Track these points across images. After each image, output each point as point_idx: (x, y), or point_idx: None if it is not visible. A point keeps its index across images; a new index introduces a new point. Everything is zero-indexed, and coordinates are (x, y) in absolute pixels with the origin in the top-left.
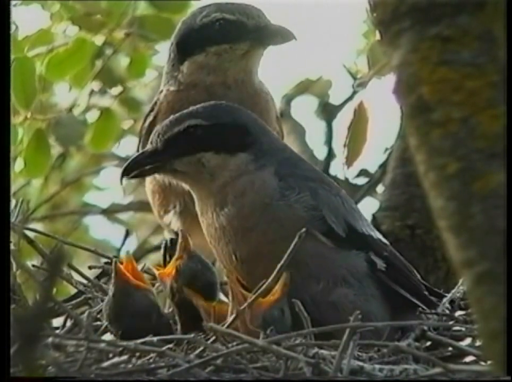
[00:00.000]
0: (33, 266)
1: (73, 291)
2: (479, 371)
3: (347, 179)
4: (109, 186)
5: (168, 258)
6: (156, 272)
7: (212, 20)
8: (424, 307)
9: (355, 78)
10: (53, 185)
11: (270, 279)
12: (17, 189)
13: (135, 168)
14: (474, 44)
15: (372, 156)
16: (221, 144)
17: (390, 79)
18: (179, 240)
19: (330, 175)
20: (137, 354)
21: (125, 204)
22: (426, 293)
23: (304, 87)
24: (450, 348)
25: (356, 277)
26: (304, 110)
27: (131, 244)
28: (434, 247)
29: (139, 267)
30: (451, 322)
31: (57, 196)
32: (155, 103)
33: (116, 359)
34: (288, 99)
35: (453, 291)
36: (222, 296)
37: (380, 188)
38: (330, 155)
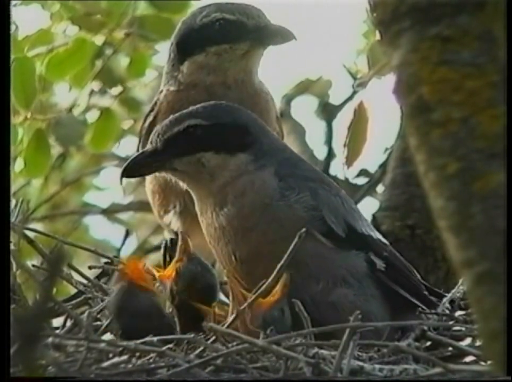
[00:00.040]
0: (33, 266)
1: (73, 291)
2: (479, 371)
3: (347, 179)
4: (109, 186)
5: (168, 258)
6: (156, 274)
7: (212, 20)
8: (424, 307)
9: (355, 78)
10: (53, 185)
11: (269, 280)
12: (17, 189)
13: (135, 169)
14: (474, 44)
15: (372, 156)
16: (221, 144)
17: (390, 79)
18: (179, 242)
19: (330, 175)
20: (137, 354)
21: (125, 204)
22: (426, 293)
23: (304, 87)
24: (450, 348)
25: (355, 277)
26: (304, 110)
27: (131, 244)
28: (434, 247)
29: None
30: (451, 322)
31: (57, 196)
32: (155, 103)
33: (116, 359)
34: (288, 99)
35: (453, 291)
36: (222, 296)
37: (380, 188)
38: (330, 155)
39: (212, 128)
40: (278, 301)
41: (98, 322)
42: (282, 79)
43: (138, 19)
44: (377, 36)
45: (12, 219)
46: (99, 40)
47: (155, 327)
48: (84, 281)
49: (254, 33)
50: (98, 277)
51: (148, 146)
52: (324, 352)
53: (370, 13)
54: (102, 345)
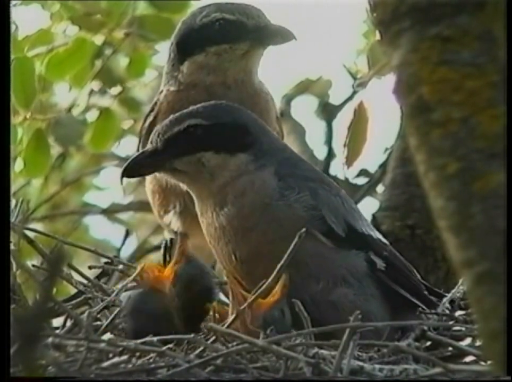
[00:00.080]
0: (33, 266)
1: (73, 291)
2: (479, 371)
3: (347, 179)
4: (109, 186)
5: (168, 258)
6: (155, 275)
7: (212, 20)
8: (424, 307)
9: (355, 78)
10: (53, 185)
11: (269, 280)
12: (17, 189)
13: (135, 168)
14: (474, 44)
15: (372, 156)
16: (221, 144)
17: (390, 79)
18: (177, 243)
19: (330, 175)
20: (137, 354)
21: (125, 204)
22: (426, 293)
23: (304, 87)
24: (450, 348)
25: (355, 277)
26: (304, 110)
27: (131, 244)
28: (434, 247)
29: (139, 267)
30: (451, 322)
31: (57, 196)
32: (155, 103)
33: (116, 359)
34: (288, 99)
35: (453, 291)
36: (222, 296)
37: (380, 188)
38: (330, 155)
39: (212, 128)
40: (278, 301)
41: (98, 322)
42: (282, 79)
43: (138, 19)
44: (377, 36)
45: (12, 219)
46: (98, 39)
47: (169, 331)
48: (84, 281)
49: (254, 33)
50: (98, 277)
51: (149, 146)
52: (324, 352)
53: (370, 13)
54: (102, 345)
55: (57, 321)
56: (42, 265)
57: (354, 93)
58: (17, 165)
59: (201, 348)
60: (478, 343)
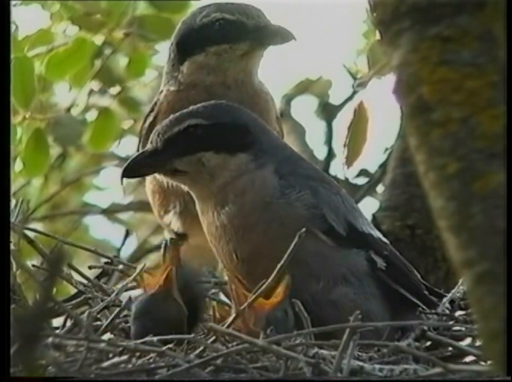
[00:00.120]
0: (33, 266)
1: (73, 291)
2: (479, 371)
3: (347, 179)
4: (109, 186)
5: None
6: (145, 281)
7: (212, 20)
8: (424, 307)
9: (355, 78)
10: (53, 185)
11: (270, 279)
12: (17, 189)
13: (135, 168)
14: (474, 44)
15: (372, 156)
16: (221, 144)
17: (390, 79)
18: (169, 251)
19: (330, 175)
20: (137, 354)
21: (125, 204)
22: (426, 292)
23: (304, 87)
24: (450, 348)
25: (356, 276)
26: (304, 110)
27: (131, 244)
28: (434, 247)
29: (139, 267)
30: (451, 322)
31: (57, 196)
32: (155, 103)
33: (116, 359)
34: (288, 99)
35: (453, 291)
36: (222, 296)
37: (380, 188)
38: (330, 155)
39: (212, 128)
40: (281, 302)
41: (98, 322)
42: (282, 79)
43: (138, 19)
44: (377, 36)
45: (12, 219)
46: (98, 39)
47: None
48: (84, 281)
49: (253, 33)
50: (98, 277)
51: (149, 146)
52: (324, 352)
53: (370, 13)
54: (102, 345)
55: (57, 321)
56: (42, 265)
57: (354, 93)
58: (17, 165)
59: (201, 348)
60: (478, 343)
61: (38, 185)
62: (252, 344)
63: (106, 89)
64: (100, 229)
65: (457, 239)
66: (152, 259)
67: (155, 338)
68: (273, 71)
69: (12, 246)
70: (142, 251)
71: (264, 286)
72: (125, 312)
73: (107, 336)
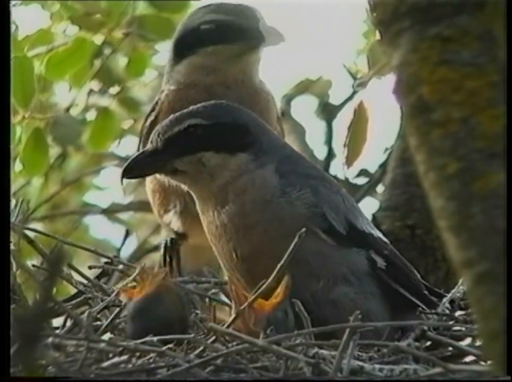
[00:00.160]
0: (33, 266)
1: (73, 291)
2: (479, 371)
3: (347, 179)
4: (109, 186)
5: (168, 258)
6: (126, 292)
7: (207, 21)
8: (424, 306)
9: (355, 78)
10: (53, 185)
11: (270, 279)
12: (17, 189)
13: (135, 168)
14: (474, 44)
15: (372, 156)
16: (222, 144)
17: (390, 79)
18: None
19: (330, 175)
20: (137, 354)
21: (125, 204)
22: (426, 292)
23: (304, 87)
24: (450, 348)
25: (356, 275)
26: (304, 110)
27: (131, 244)
28: (434, 247)
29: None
30: (451, 322)
31: (57, 196)
32: (157, 102)
33: (116, 359)
34: (288, 99)
35: (453, 291)
36: (222, 296)
37: (380, 188)
38: (330, 155)
39: (213, 128)
40: (281, 303)
41: (98, 322)
42: (282, 79)
43: (137, 19)
44: (377, 36)
45: (12, 219)
46: (98, 39)
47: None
48: (84, 281)
49: (246, 34)
50: (98, 277)
51: (149, 146)
52: (324, 351)
53: (370, 13)
54: (102, 345)
55: (57, 321)
56: (42, 265)
57: (354, 93)
58: (17, 165)
59: (201, 348)
60: (478, 343)
61: (38, 185)
62: (252, 344)
63: (106, 89)
64: (100, 229)
65: (457, 239)
66: (152, 259)
67: (155, 338)
68: (273, 71)
69: (12, 246)
70: (142, 251)
71: (264, 286)
72: (125, 312)
73: (107, 336)
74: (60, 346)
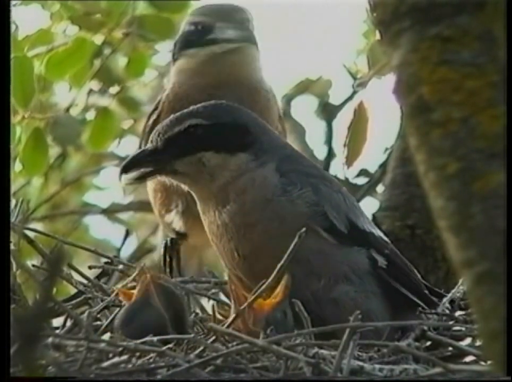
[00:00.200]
0: (33, 266)
1: (73, 291)
2: (479, 371)
3: (347, 179)
4: (109, 186)
5: (168, 258)
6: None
7: (190, 22)
8: (424, 306)
9: (355, 78)
10: (53, 185)
11: (270, 279)
12: (17, 189)
13: (134, 166)
14: (474, 44)
15: (372, 156)
16: (222, 144)
17: (390, 79)
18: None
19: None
20: (137, 354)
21: (125, 204)
22: (427, 292)
23: (304, 87)
24: (450, 348)
25: (357, 274)
26: (304, 110)
27: (131, 244)
28: (434, 247)
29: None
30: (451, 322)
31: (57, 196)
32: (159, 101)
33: (116, 359)
34: (288, 99)
35: (453, 291)
36: (222, 296)
37: (380, 188)
38: (330, 155)
39: (213, 128)
40: (280, 303)
41: (98, 322)
42: (282, 79)
43: (137, 19)
44: (377, 36)
45: (12, 219)
46: (98, 39)
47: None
48: (84, 281)
49: (212, 36)
50: (98, 277)
51: (149, 145)
52: (324, 351)
53: (370, 13)
54: (102, 345)
55: (57, 321)
56: (42, 265)
57: (354, 93)
58: (17, 165)
59: (201, 348)
60: (478, 343)
61: (38, 185)
62: (252, 344)
63: (106, 89)
64: (100, 229)
65: (457, 239)
66: (152, 259)
67: (155, 338)
68: (273, 71)
69: (12, 246)
70: (142, 251)
71: (264, 286)
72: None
73: (107, 336)
74: (60, 346)
